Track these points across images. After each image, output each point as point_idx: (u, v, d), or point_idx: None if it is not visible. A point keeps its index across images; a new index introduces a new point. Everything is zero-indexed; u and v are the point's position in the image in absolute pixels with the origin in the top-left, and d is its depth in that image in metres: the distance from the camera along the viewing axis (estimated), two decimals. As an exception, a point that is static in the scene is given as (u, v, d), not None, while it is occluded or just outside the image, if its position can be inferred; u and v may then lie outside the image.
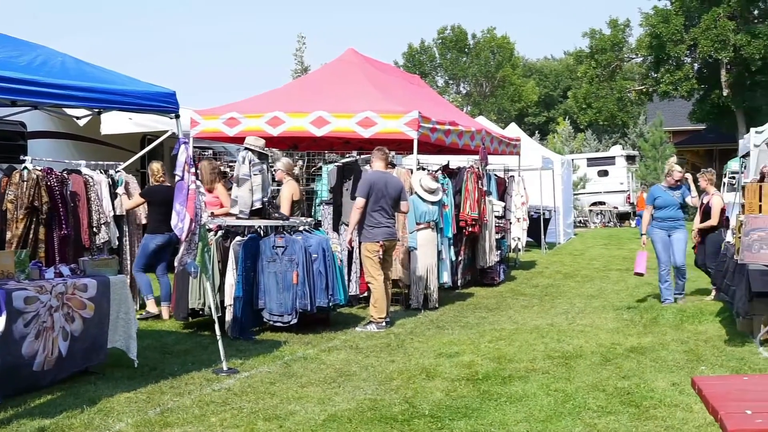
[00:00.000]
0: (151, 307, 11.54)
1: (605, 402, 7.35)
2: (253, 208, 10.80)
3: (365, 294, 12.43)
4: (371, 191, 10.95)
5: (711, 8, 36.24)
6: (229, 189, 11.73)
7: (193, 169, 8.41)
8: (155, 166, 11.94)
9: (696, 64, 40.01)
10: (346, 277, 11.91)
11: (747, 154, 14.61)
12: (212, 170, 12.04)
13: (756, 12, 38.06)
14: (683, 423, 6.68)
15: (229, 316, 10.28)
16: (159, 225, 11.39)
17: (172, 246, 11.43)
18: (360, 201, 10.89)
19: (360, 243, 11.41)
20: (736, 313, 10.75)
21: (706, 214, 13.33)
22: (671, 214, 12.83)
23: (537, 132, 54.02)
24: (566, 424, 6.72)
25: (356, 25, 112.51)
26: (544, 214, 23.21)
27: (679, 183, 12.94)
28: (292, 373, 8.47)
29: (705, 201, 13.41)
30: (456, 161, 15.95)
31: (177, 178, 8.28)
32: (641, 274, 13.28)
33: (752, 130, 13.51)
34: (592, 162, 38.40)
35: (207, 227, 9.94)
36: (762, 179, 10.66)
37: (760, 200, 9.91)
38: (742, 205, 10.43)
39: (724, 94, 37.70)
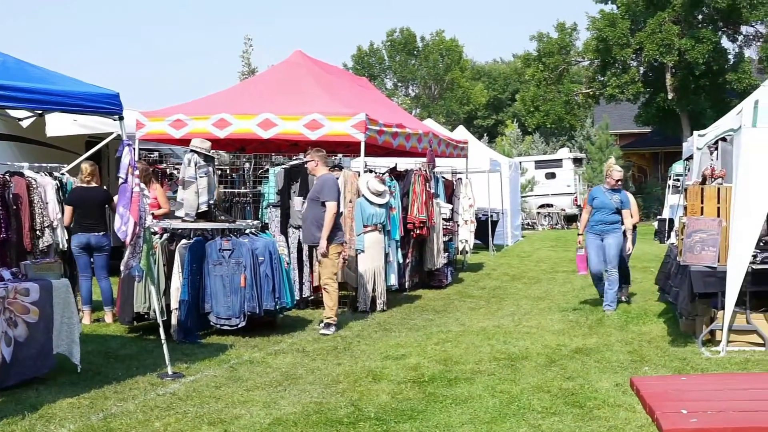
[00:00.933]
0: (85, 318, 11.34)
1: (549, 403, 7.41)
2: (199, 211, 10.75)
3: (312, 297, 12.47)
4: (339, 195, 10.99)
5: (656, 13, 36.70)
6: (175, 191, 11.63)
7: (137, 172, 8.34)
8: (83, 165, 11.75)
9: (642, 68, 40.46)
10: (294, 280, 11.92)
11: (690, 157, 14.82)
12: (146, 172, 11.90)
13: (700, 17, 38.60)
14: (626, 423, 6.75)
15: (175, 320, 10.19)
16: (76, 226, 11.31)
17: (99, 248, 11.34)
18: (334, 205, 10.79)
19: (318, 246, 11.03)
20: (679, 314, 10.91)
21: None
22: (604, 218, 12.46)
23: (485, 134, 54.32)
24: (511, 425, 6.76)
25: (305, 27, 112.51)
26: (491, 216, 23.35)
27: (619, 185, 12.63)
28: (238, 377, 8.43)
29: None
30: (404, 164, 15.99)
31: (120, 180, 8.20)
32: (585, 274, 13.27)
33: (695, 133, 13.69)
34: (539, 164, 38.67)
35: (152, 230, 9.87)
36: (704, 182, 10.81)
37: (702, 202, 10.04)
38: (685, 207, 10.57)
39: (669, 97, 38.20)
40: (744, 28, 39.82)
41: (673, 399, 3.66)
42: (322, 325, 10.97)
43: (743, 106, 9.46)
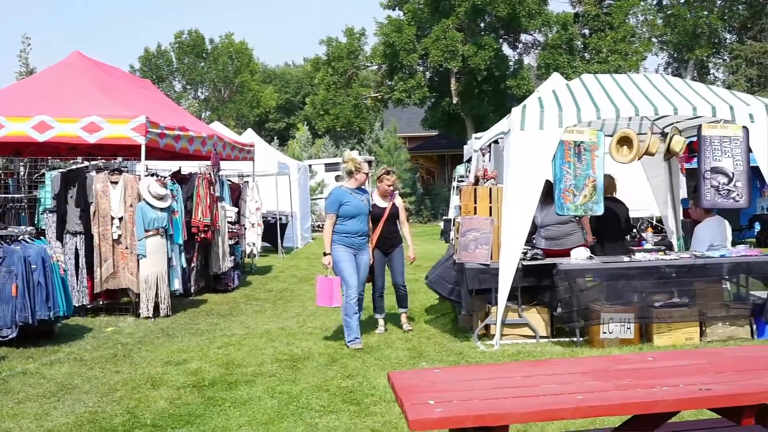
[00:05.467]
0: None
1: (328, 401, 7.52)
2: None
3: (90, 305, 12.21)
4: None
5: (441, 20, 37.75)
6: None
7: None
8: None
9: (428, 73, 41.49)
10: (71, 287, 11.56)
11: (471, 159, 15.41)
12: None
13: (482, 25, 40.01)
14: (400, 418, 6.92)
15: (-58, 333, 9.69)
16: None
17: None
18: None
19: None
20: (457, 311, 11.28)
21: (394, 216, 11.08)
22: (363, 226, 10.31)
23: (277, 138, 54.31)
24: (288, 425, 6.83)
25: (90, 28, 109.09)
26: (280, 219, 23.38)
27: (363, 186, 10.45)
28: (8, 390, 8.12)
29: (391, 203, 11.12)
30: (188, 167, 15.81)
31: None
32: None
33: (473, 136, 14.25)
34: (329, 167, 38.94)
35: None
36: (477, 182, 11.22)
37: (475, 202, 10.42)
38: (460, 207, 10.94)
39: (454, 101, 39.44)
40: (523, 36, 41.69)
41: (423, 391, 3.81)
42: None
43: (513, 111, 9.90)
